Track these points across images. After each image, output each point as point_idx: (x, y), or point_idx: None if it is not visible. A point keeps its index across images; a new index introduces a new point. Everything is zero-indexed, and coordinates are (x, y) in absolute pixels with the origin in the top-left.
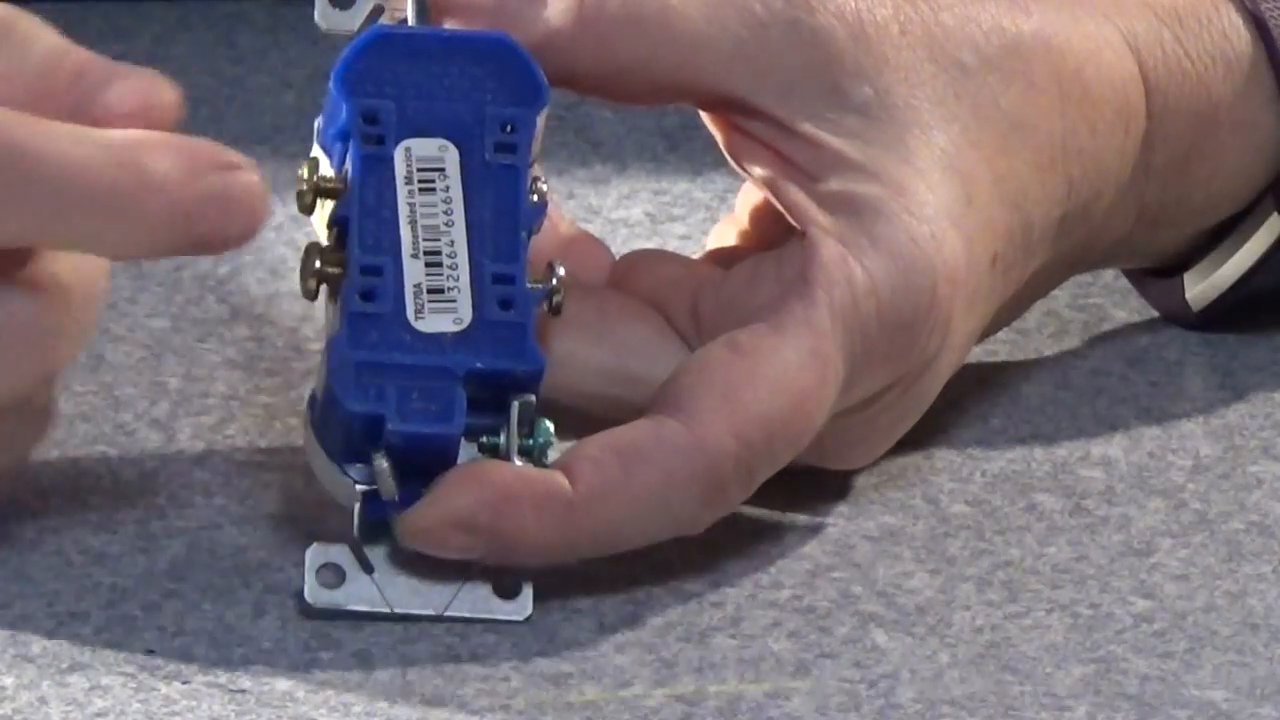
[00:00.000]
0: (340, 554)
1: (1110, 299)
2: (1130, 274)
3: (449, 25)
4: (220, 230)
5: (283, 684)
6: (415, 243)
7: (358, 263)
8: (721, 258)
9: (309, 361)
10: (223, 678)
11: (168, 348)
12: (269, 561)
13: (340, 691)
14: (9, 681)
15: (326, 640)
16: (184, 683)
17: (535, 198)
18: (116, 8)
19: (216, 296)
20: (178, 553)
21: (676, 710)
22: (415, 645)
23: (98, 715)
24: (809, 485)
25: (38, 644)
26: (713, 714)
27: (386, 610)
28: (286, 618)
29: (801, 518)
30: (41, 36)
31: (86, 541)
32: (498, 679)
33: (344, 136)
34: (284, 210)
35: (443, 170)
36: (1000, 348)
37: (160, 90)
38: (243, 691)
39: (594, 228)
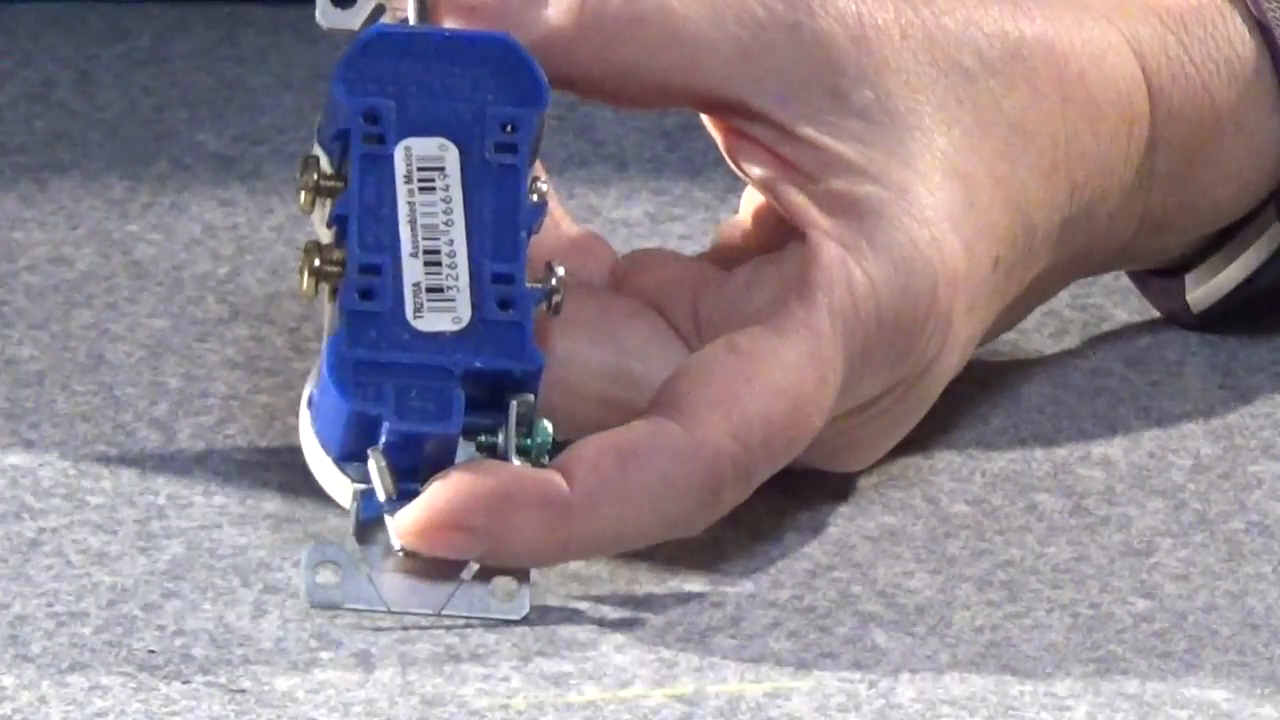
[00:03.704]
0: (337, 553)
1: (1110, 299)
2: (1131, 272)
3: (450, 24)
4: None
5: (283, 684)
6: (414, 242)
7: (357, 261)
8: (723, 258)
9: (309, 361)
10: (223, 678)
11: (168, 348)
12: (269, 561)
13: (340, 691)
14: (9, 681)
15: (326, 640)
16: (184, 683)
17: (535, 198)
18: (116, 8)
19: (216, 296)
20: (178, 553)
21: (676, 710)
22: (415, 645)
23: (98, 715)
24: (809, 485)
25: (38, 644)
26: (713, 714)
27: (383, 609)
28: (286, 618)
29: (801, 518)
30: None
31: (86, 541)
32: (498, 679)
33: (344, 135)
34: (284, 210)
35: (443, 169)
36: (1000, 348)
37: None
38: (243, 691)
39: (594, 228)
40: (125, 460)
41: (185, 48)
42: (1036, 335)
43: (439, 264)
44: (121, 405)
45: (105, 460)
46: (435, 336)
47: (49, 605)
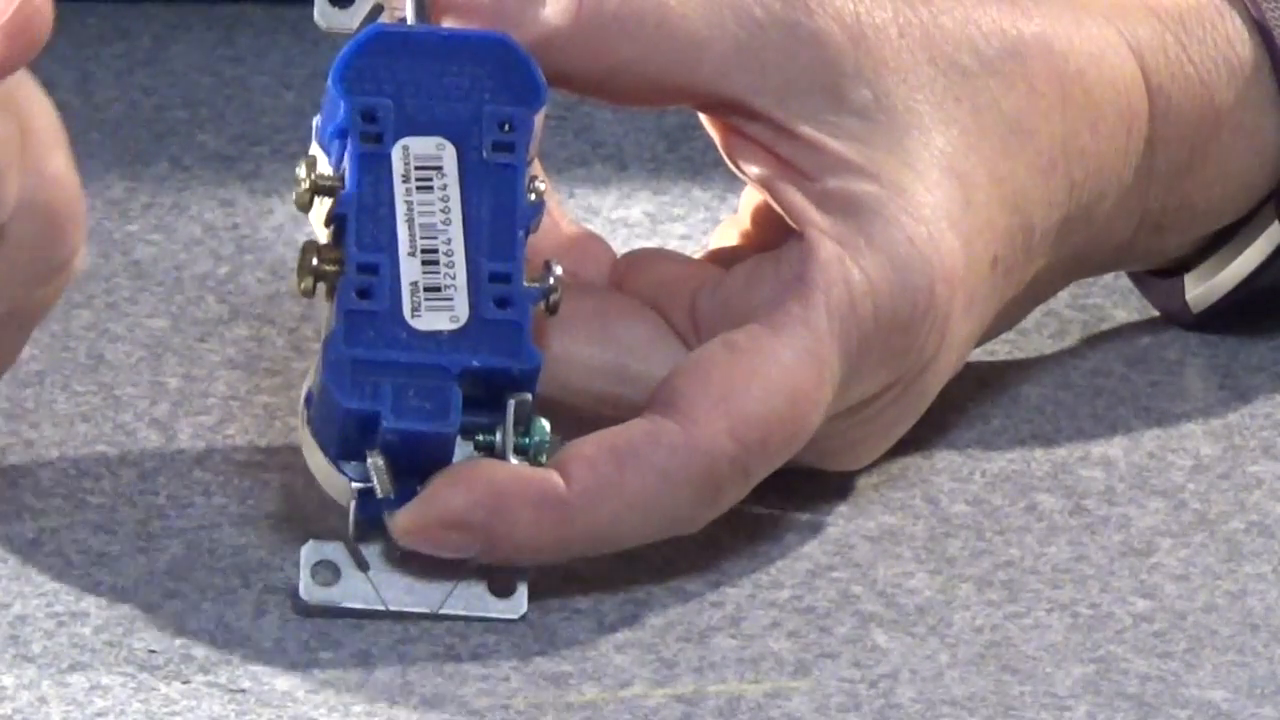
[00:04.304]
0: (335, 551)
1: (1110, 299)
2: (1131, 272)
3: (448, 24)
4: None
5: (283, 684)
6: (412, 241)
7: (354, 260)
8: (722, 258)
9: (309, 361)
10: (223, 678)
11: (168, 348)
12: (269, 561)
13: (340, 691)
14: (9, 681)
15: (326, 640)
16: (184, 683)
17: (533, 197)
18: (116, 8)
19: (216, 296)
20: (178, 553)
21: (676, 710)
22: (415, 645)
23: (98, 715)
24: (809, 485)
25: (38, 644)
26: (713, 714)
27: (381, 608)
28: (286, 618)
29: (801, 518)
30: None
31: (86, 541)
32: (498, 679)
33: (342, 134)
34: (284, 210)
35: (440, 169)
36: (1000, 348)
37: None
38: (243, 691)
39: (594, 228)
40: (125, 460)
41: (185, 48)
42: (1036, 335)
43: (437, 263)
44: (121, 405)
45: (105, 460)
46: (433, 335)
47: (49, 605)
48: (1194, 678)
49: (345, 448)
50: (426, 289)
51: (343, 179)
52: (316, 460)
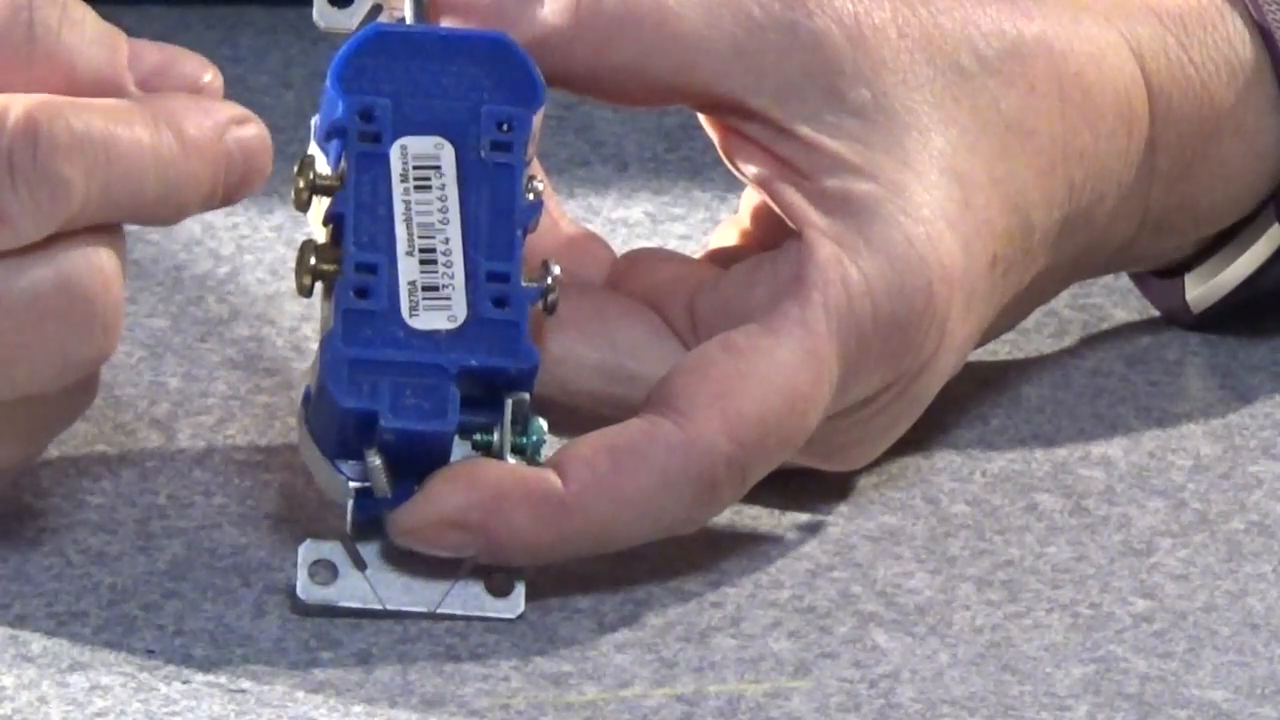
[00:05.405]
0: (333, 551)
1: (1110, 299)
2: (1131, 272)
3: (446, 24)
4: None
5: (283, 684)
6: (410, 240)
7: (352, 260)
8: (721, 258)
9: (309, 361)
10: (223, 678)
11: (168, 348)
12: (269, 561)
13: (340, 691)
14: (9, 681)
15: (326, 640)
16: (184, 683)
17: (531, 196)
18: (116, 8)
19: (216, 296)
20: (178, 553)
21: (676, 710)
22: (415, 645)
23: (98, 715)
24: (809, 485)
25: (38, 644)
26: (713, 714)
27: (379, 607)
28: (286, 618)
29: (801, 518)
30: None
31: (86, 541)
32: (498, 679)
33: (340, 134)
34: (283, 210)
35: (438, 168)
36: (1000, 348)
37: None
38: (243, 691)
39: (594, 228)
40: (125, 460)
41: (185, 48)
42: (1036, 335)
43: (435, 262)
44: (121, 405)
45: (105, 460)
46: (431, 335)
47: (49, 605)
48: (1194, 678)
49: (343, 447)
50: (424, 288)
51: (341, 178)
52: (315, 459)
